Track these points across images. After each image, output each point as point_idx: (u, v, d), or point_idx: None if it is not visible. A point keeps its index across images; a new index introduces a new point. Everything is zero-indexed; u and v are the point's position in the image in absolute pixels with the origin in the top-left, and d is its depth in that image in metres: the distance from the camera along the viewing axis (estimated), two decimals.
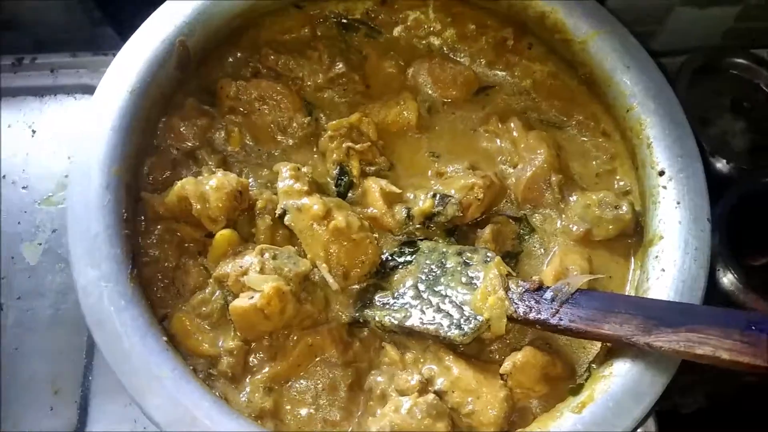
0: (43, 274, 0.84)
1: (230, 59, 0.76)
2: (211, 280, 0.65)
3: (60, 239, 0.85)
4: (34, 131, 0.92)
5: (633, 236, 0.69)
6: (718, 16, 1.10)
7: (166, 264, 0.66)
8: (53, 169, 0.89)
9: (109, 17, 1.07)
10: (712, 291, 0.78)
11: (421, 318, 0.64)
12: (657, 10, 1.08)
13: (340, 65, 0.76)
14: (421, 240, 0.70)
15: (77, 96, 0.94)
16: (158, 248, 0.66)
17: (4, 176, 0.89)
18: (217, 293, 0.65)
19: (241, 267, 0.62)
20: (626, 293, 0.67)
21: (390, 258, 0.69)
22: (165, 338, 0.59)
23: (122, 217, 0.61)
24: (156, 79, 0.67)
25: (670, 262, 0.62)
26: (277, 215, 0.67)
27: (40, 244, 0.85)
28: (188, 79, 0.72)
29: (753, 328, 0.52)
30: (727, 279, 0.81)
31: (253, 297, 0.60)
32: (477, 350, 0.65)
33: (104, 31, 1.10)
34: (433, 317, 0.63)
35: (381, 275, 0.68)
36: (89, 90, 0.94)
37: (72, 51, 0.97)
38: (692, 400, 0.88)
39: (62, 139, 0.91)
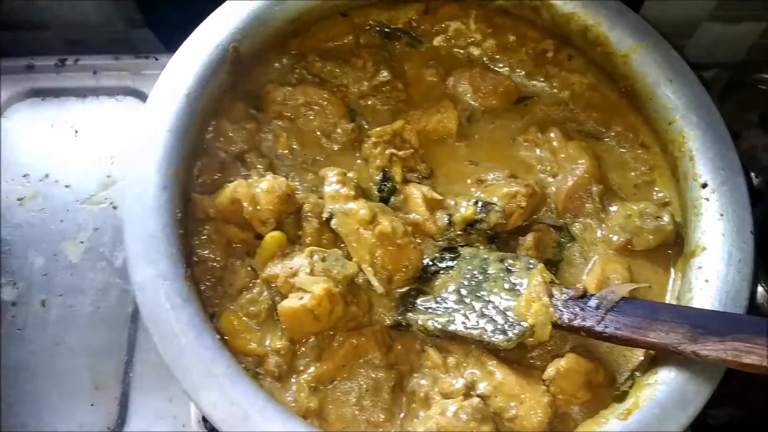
0: (85, 272, 0.85)
1: (276, 65, 0.78)
2: (258, 281, 0.67)
3: (101, 238, 0.87)
4: (76, 131, 0.94)
5: (673, 247, 0.70)
6: (743, 32, 1.12)
7: (213, 264, 0.67)
8: (95, 169, 0.91)
9: (149, 20, 1.09)
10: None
11: (464, 322, 0.65)
12: (685, 25, 1.09)
13: (385, 73, 0.77)
14: (462, 246, 0.71)
15: (119, 97, 0.96)
16: (207, 248, 0.67)
17: (47, 175, 0.91)
18: (264, 293, 0.66)
19: (290, 268, 0.64)
20: (667, 302, 0.67)
21: (431, 263, 0.70)
22: (218, 336, 0.60)
23: (177, 217, 0.63)
24: (210, 84, 0.68)
25: (714, 273, 0.62)
26: (323, 219, 0.68)
27: (82, 242, 0.87)
28: (237, 84, 0.73)
29: None
30: (759, 292, 0.81)
31: (303, 298, 0.61)
32: (518, 356, 0.66)
33: (144, 33, 1.12)
34: (477, 322, 0.64)
35: (423, 280, 0.69)
36: (131, 92, 0.97)
37: (111, 53, 1.00)
38: (723, 412, 0.89)
39: (104, 140, 0.93)
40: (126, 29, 1.12)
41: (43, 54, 0.98)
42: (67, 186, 0.90)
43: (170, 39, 1.09)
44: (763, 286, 0.82)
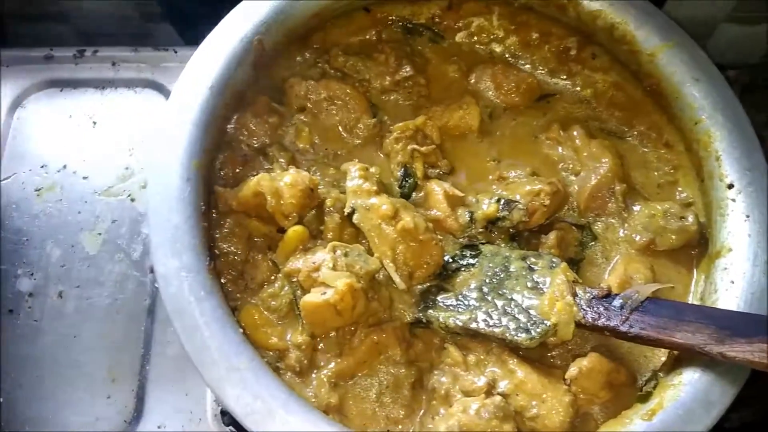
0: (103, 264, 0.85)
1: (299, 59, 0.77)
2: (280, 275, 0.66)
3: (119, 230, 0.87)
4: (94, 122, 0.94)
5: (696, 247, 0.70)
6: (759, 34, 1.11)
7: (235, 257, 0.67)
8: (113, 160, 0.91)
9: (168, 13, 1.09)
10: None
11: (486, 320, 0.64)
12: (703, 25, 1.08)
13: (407, 68, 0.77)
14: (483, 243, 0.71)
15: (137, 90, 0.96)
16: (228, 241, 0.67)
17: (65, 166, 0.91)
18: (286, 288, 0.66)
19: (313, 263, 0.63)
20: (690, 302, 0.67)
21: (452, 260, 0.70)
22: (241, 329, 0.60)
23: (201, 209, 0.63)
24: (234, 77, 0.68)
25: (740, 274, 0.62)
26: (345, 214, 0.68)
27: (100, 234, 0.87)
28: (260, 78, 0.73)
29: None
30: None
31: (326, 293, 0.61)
32: (539, 355, 0.66)
33: (163, 26, 1.12)
34: (499, 320, 0.64)
35: (443, 277, 0.69)
36: (149, 84, 0.96)
37: (130, 45, 0.99)
38: (737, 416, 0.88)
39: (123, 132, 0.92)
40: (145, 22, 1.12)
41: (62, 45, 0.98)
42: (85, 177, 0.90)
43: (189, 32, 1.09)
44: None
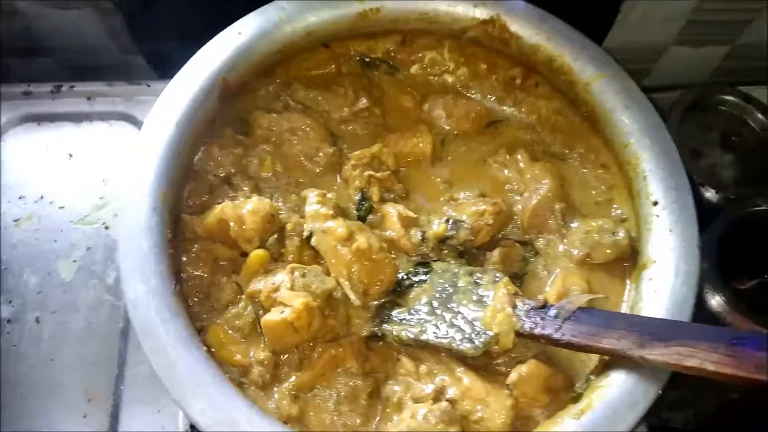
0: (77, 290, 0.89)
1: (263, 93, 0.83)
2: (243, 296, 0.71)
3: (93, 257, 0.91)
4: (71, 154, 0.98)
5: (629, 260, 0.76)
6: (708, 55, 1.19)
7: (202, 280, 0.72)
8: (88, 190, 0.96)
9: (140, 48, 1.14)
10: (702, 312, 0.84)
11: (435, 332, 0.70)
12: (653, 50, 1.16)
13: (364, 100, 0.83)
14: (435, 261, 0.76)
15: (112, 122, 1.01)
16: (195, 266, 0.72)
17: (42, 196, 0.95)
18: (249, 308, 0.71)
19: (273, 284, 0.68)
20: (622, 311, 0.73)
21: (405, 277, 0.75)
22: (205, 348, 0.64)
23: (167, 237, 0.68)
24: (199, 112, 0.74)
25: (663, 283, 0.68)
26: (304, 237, 0.73)
27: (75, 261, 0.91)
28: (226, 111, 0.78)
29: (736, 342, 0.58)
30: (715, 301, 0.87)
31: (284, 311, 0.66)
32: (485, 363, 0.71)
33: (135, 59, 1.18)
34: (447, 332, 0.69)
35: (397, 293, 0.74)
36: (124, 117, 1.01)
37: (104, 78, 1.05)
38: (681, 416, 0.94)
39: (97, 163, 0.97)
40: (120, 56, 1.17)
41: (40, 80, 1.03)
42: (61, 207, 0.94)
43: (161, 66, 1.14)
44: (720, 296, 0.87)
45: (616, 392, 0.62)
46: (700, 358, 0.58)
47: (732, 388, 0.83)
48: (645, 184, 0.75)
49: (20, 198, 0.95)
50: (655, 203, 0.73)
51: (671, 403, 0.88)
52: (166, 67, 1.09)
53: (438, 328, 0.70)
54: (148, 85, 1.01)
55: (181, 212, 0.73)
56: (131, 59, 1.19)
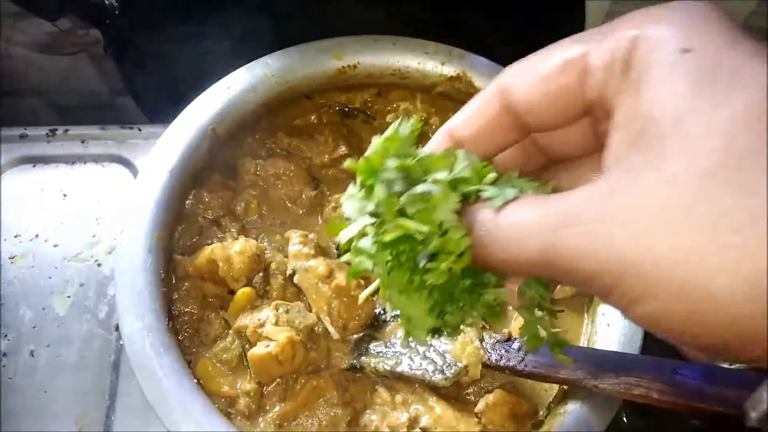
0: (71, 324, 0.93)
1: (249, 140, 0.89)
2: (230, 331, 0.77)
3: (86, 292, 0.96)
4: (65, 195, 1.03)
5: (586, 296, 0.83)
6: None
7: (192, 316, 0.77)
8: (82, 229, 1.00)
9: (132, 94, 1.21)
10: (659, 340, 0.91)
11: (410, 364, 0.76)
12: None
13: (343, 148, 0.90)
14: None
15: (105, 164, 1.06)
16: (185, 302, 0.77)
17: (37, 235, 1.00)
18: (236, 342, 0.76)
19: (259, 320, 0.74)
20: (580, 344, 0.79)
21: (382, 312, 0.81)
22: (195, 380, 0.69)
23: (161, 276, 0.73)
24: (190, 161, 0.80)
25: (614, 318, 0.75)
26: (288, 275, 0.79)
27: (69, 296, 0.95)
28: (215, 159, 0.85)
29: (678, 373, 0.65)
30: None
31: (269, 345, 0.72)
32: (456, 392, 0.77)
33: (127, 102, 1.24)
34: (420, 364, 0.75)
35: (375, 327, 0.80)
36: (116, 159, 1.07)
37: (97, 121, 1.10)
38: None
39: (91, 203, 1.02)
40: (112, 100, 1.24)
41: (36, 124, 1.08)
42: (55, 245, 0.99)
43: (153, 110, 1.21)
44: None
45: (573, 419, 0.68)
46: (646, 387, 0.65)
47: (694, 416, 0.90)
48: None
49: (16, 236, 0.99)
50: None
51: (636, 430, 0.95)
52: (156, 111, 1.16)
53: (412, 360, 0.76)
54: (140, 129, 1.07)
55: (173, 252, 0.78)
56: (123, 102, 1.25)
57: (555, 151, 0.41)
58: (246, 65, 0.87)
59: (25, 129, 1.07)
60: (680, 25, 0.31)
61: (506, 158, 0.41)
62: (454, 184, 0.37)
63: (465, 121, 0.41)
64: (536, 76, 0.37)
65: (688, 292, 0.27)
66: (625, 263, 0.28)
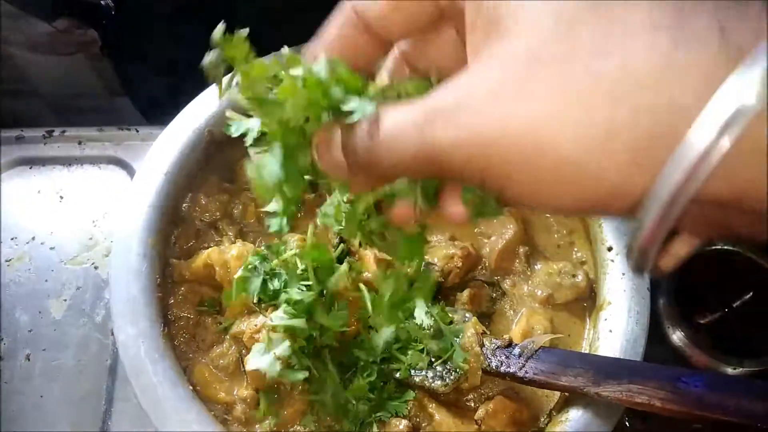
0: (67, 328, 0.93)
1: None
2: (227, 336, 0.76)
3: (83, 296, 0.95)
4: (61, 197, 1.03)
5: (588, 300, 0.82)
6: None
7: (188, 321, 0.76)
8: (79, 231, 0.99)
9: (127, 91, 1.20)
10: (665, 347, 0.90)
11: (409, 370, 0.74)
12: None
13: None
14: None
15: (102, 166, 1.05)
16: (182, 307, 0.77)
17: (33, 237, 0.99)
18: (232, 348, 0.75)
19: (255, 325, 0.73)
20: (582, 349, 0.78)
21: None
22: (190, 387, 0.68)
23: (156, 281, 0.72)
24: (187, 163, 0.79)
25: (617, 324, 0.74)
26: None
27: (65, 300, 0.95)
28: (212, 161, 0.84)
29: (681, 380, 0.64)
30: (676, 336, 0.93)
31: None
32: (455, 398, 0.76)
33: (125, 103, 1.23)
34: (420, 370, 0.74)
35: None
36: (113, 161, 1.06)
37: (94, 122, 1.09)
38: None
39: (88, 205, 1.01)
40: (109, 100, 1.23)
41: (32, 125, 1.08)
42: (52, 248, 0.98)
43: (148, 110, 1.20)
44: (680, 331, 0.93)
45: (575, 426, 0.67)
46: (649, 395, 0.64)
47: (695, 421, 0.89)
48: (600, 230, 0.81)
49: (12, 239, 0.98)
50: (610, 248, 0.79)
51: None
52: (152, 111, 1.15)
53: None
54: (137, 131, 1.06)
55: (169, 257, 0.77)
56: (121, 103, 1.24)
57: (430, 66, 0.41)
58: None
59: (22, 130, 1.06)
60: None
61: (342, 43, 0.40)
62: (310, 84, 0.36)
63: (326, 46, 0.40)
64: None
65: (548, 161, 0.29)
66: (486, 144, 0.30)
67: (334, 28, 0.39)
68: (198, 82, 0.86)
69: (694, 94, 0.26)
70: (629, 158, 0.28)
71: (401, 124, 0.33)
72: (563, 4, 0.29)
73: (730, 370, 0.90)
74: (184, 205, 0.82)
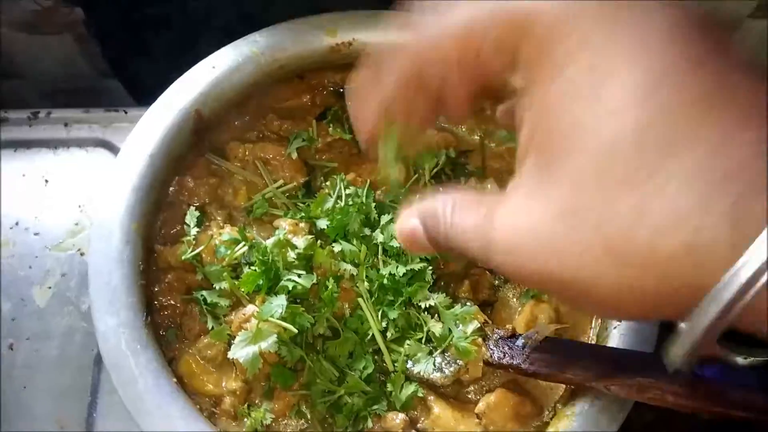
0: (51, 317, 0.89)
1: (237, 123, 0.84)
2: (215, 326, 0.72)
3: (68, 283, 0.91)
4: (47, 180, 0.98)
5: None
6: None
7: (174, 310, 0.73)
8: (64, 216, 0.96)
9: (115, 71, 1.15)
10: (671, 334, 0.86)
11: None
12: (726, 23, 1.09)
13: (338, 130, 0.85)
14: None
15: (89, 149, 1.01)
16: (168, 295, 0.73)
17: (17, 223, 0.95)
18: None
19: (244, 314, 0.69)
20: (588, 340, 0.74)
21: None
22: (175, 380, 0.65)
23: (139, 268, 0.68)
24: (173, 144, 0.74)
25: None
26: None
27: (50, 287, 0.91)
28: (201, 142, 0.80)
29: (696, 374, 0.60)
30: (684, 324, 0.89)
31: None
32: (455, 391, 0.72)
33: (113, 84, 1.18)
34: (418, 361, 0.70)
35: None
36: (100, 143, 1.02)
37: (81, 103, 1.05)
38: None
39: (74, 189, 0.97)
40: (97, 81, 1.18)
41: (17, 107, 1.03)
42: (36, 233, 0.94)
43: (138, 91, 1.15)
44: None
45: (581, 421, 0.64)
46: (660, 389, 0.60)
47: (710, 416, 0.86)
48: None
49: None
50: None
51: (646, 424, 0.90)
52: (143, 92, 1.10)
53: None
54: (126, 112, 1.02)
55: (154, 242, 0.73)
56: (109, 84, 1.20)
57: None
58: (232, 43, 0.81)
59: (5, 112, 1.02)
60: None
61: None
62: None
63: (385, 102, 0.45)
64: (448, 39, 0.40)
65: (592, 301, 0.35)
66: (534, 281, 0.38)
67: (393, 85, 0.43)
68: (190, 61, 0.82)
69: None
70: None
71: (468, 226, 0.39)
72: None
73: (740, 360, 0.86)
74: (170, 188, 0.78)
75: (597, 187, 0.32)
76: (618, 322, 0.70)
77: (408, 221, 0.43)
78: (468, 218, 0.39)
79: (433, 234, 0.41)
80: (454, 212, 0.40)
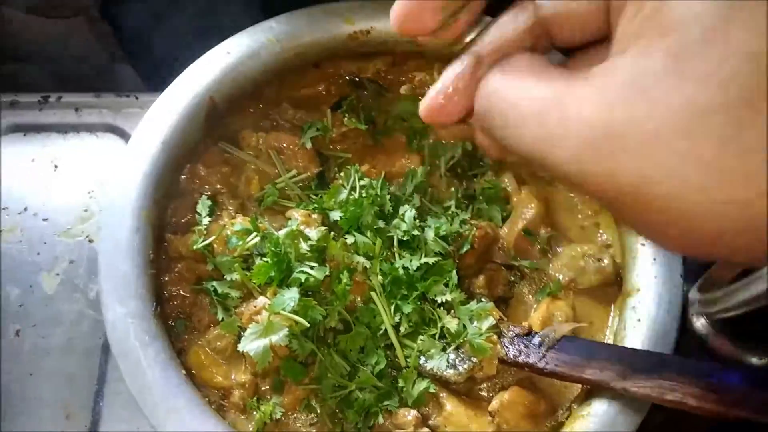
0: (59, 303, 0.88)
1: (251, 111, 0.82)
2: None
3: (77, 270, 0.90)
4: (56, 166, 0.97)
5: (613, 286, 0.76)
6: None
7: (183, 300, 0.71)
8: (73, 202, 0.94)
9: (129, 57, 1.14)
10: (687, 334, 0.84)
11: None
12: None
13: (353, 120, 0.83)
14: None
15: (99, 134, 1.00)
16: (178, 285, 0.71)
17: (26, 208, 0.94)
18: None
19: (254, 306, 0.68)
20: (605, 338, 0.73)
21: None
22: (183, 372, 0.64)
23: (149, 258, 0.67)
24: (185, 131, 0.73)
25: (646, 313, 0.68)
26: None
27: (58, 274, 0.90)
28: (213, 130, 0.78)
29: (719, 377, 0.59)
30: (700, 324, 0.87)
31: None
32: (468, 388, 0.71)
33: (125, 69, 1.17)
34: (431, 357, 0.69)
35: None
36: (111, 129, 1.00)
37: (92, 88, 1.04)
38: None
39: (83, 175, 0.96)
40: (109, 66, 1.17)
41: (28, 90, 1.02)
42: (45, 219, 0.93)
43: (150, 76, 1.14)
44: (704, 319, 0.87)
45: (598, 422, 0.62)
46: (682, 392, 0.58)
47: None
48: None
49: (4, 209, 0.93)
50: None
51: (658, 425, 0.89)
52: (154, 77, 1.09)
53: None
54: (137, 97, 1.00)
55: (165, 231, 0.72)
56: (120, 69, 1.19)
57: (565, 39, 0.39)
58: (248, 29, 0.79)
59: (16, 95, 1.01)
60: None
61: (513, 41, 0.39)
62: None
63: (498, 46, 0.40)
64: None
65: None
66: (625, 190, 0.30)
67: (511, 27, 0.39)
68: (204, 47, 0.80)
69: None
70: None
71: (530, 103, 0.34)
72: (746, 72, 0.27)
73: (755, 361, 0.84)
74: (181, 176, 0.76)
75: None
76: (637, 321, 0.68)
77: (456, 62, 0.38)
78: (528, 83, 0.34)
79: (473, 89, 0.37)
80: (511, 70, 0.35)
